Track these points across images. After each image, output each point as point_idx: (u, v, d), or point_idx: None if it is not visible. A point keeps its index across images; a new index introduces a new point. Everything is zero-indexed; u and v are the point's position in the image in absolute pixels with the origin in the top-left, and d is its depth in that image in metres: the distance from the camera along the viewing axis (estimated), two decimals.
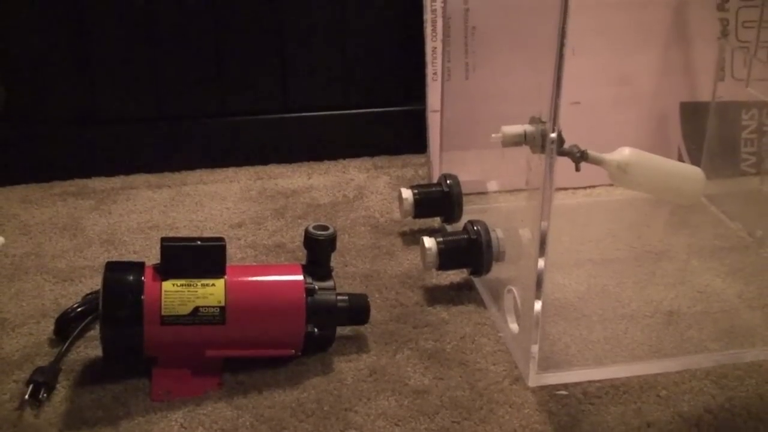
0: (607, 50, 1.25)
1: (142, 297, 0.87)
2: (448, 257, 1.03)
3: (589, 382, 0.90)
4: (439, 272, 1.08)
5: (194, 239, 0.92)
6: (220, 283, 0.89)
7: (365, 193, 1.31)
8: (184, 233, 1.19)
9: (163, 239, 0.90)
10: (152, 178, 1.35)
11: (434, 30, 1.29)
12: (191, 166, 1.37)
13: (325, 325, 0.92)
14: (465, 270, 1.07)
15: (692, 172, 1.03)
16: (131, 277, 0.88)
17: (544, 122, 0.84)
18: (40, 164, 1.33)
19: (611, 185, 1.21)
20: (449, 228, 1.17)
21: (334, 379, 0.90)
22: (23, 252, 1.14)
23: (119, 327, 0.87)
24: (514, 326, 0.96)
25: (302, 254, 0.95)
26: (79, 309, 0.97)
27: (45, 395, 0.87)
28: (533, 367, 0.89)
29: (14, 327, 0.98)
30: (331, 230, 0.93)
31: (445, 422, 0.85)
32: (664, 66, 1.29)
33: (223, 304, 0.88)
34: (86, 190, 1.31)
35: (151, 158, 1.36)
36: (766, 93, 1.20)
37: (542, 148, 0.84)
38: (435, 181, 1.21)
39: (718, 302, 1.04)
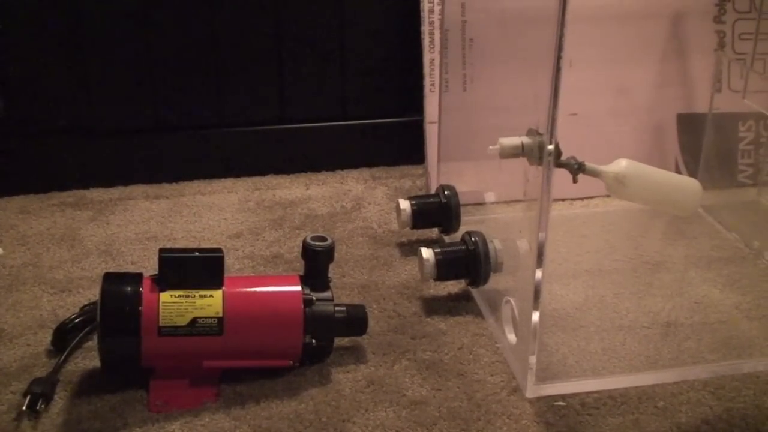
0: (604, 62, 1.25)
1: (140, 308, 0.87)
2: (446, 268, 1.03)
3: (587, 393, 0.90)
4: (437, 283, 1.08)
5: (192, 250, 0.92)
6: (217, 294, 0.89)
7: (363, 203, 1.31)
8: (182, 244, 1.19)
9: (161, 250, 0.90)
10: (150, 188, 1.35)
11: (432, 42, 1.29)
12: (189, 177, 1.38)
13: (323, 336, 0.92)
14: (463, 281, 1.07)
15: (689, 183, 1.03)
16: (129, 288, 0.88)
17: (541, 134, 0.84)
18: (38, 175, 1.33)
19: (608, 196, 1.21)
20: (447, 239, 1.17)
21: (332, 390, 0.90)
22: (21, 263, 1.14)
23: (117, 338, 0.87)
24: (511, 337, 0.96)
25: (300, 265, 0.95)
26: (77, 320, 0.97)
27: (43, 406, 0.86)
28: (531, 377, 0.89)
29: (12, 338, 0.98)
30: (329, 241, 0.93)
31: None
32: (661, 78, 1.30)
33: (221, 315, 0.88)
34: (84, 201, 1.31)
35: (149, 169, 1.36)
36: (762, 104, 1.20)
37: (540, 160, 0.84)
38: (433, 192, 1.21)
39: (715, 313, 1.04)
